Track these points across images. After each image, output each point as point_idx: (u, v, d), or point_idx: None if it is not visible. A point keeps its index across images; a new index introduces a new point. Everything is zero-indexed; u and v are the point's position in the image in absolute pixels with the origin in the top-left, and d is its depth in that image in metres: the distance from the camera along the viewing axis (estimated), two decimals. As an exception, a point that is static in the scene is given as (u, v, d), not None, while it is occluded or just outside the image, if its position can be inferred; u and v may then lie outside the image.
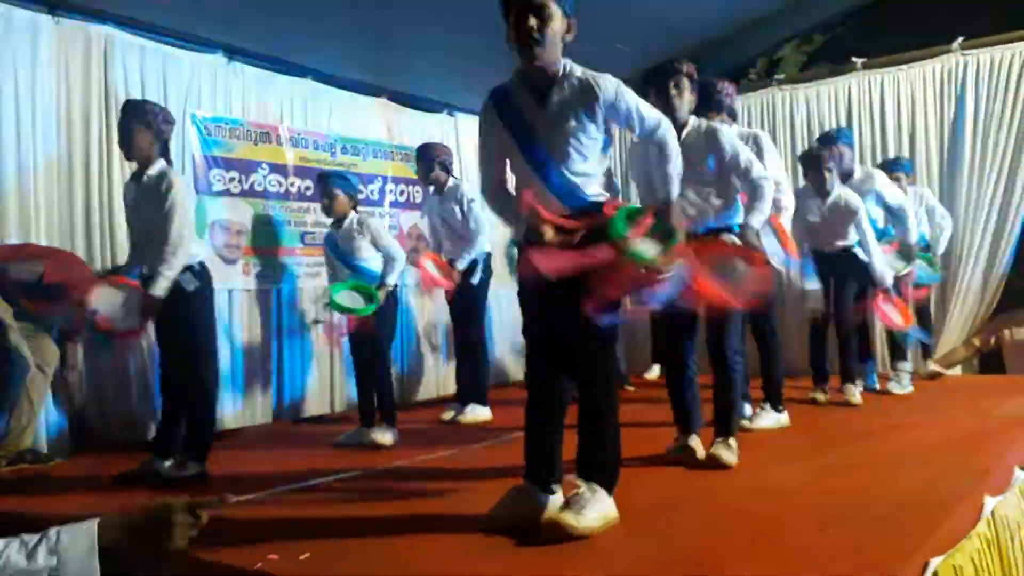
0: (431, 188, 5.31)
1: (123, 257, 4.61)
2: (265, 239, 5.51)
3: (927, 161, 6.17)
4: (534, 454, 2.66)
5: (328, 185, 4.57)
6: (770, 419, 4.23)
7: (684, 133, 3.45)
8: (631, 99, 2.64)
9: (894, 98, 6.32)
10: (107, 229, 4.72)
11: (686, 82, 3.46)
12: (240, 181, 5.40)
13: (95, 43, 4.70)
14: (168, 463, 3.65)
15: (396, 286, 4.62)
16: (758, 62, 7.90)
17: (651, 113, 2.72)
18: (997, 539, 2.60)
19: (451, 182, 5.22)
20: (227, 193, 5.37)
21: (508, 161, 2.74)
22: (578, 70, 2.61)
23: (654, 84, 3.47)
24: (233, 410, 5.28)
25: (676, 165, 2.75)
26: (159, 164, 3.63)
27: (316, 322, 5.51)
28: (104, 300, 3.58)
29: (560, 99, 2.58)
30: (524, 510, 2.56)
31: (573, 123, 2.57)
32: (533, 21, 2.50)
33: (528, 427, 2.68)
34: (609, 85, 2.59)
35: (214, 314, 3.96)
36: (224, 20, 5.10)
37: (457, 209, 5.10)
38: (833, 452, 3.48)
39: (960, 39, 6.03)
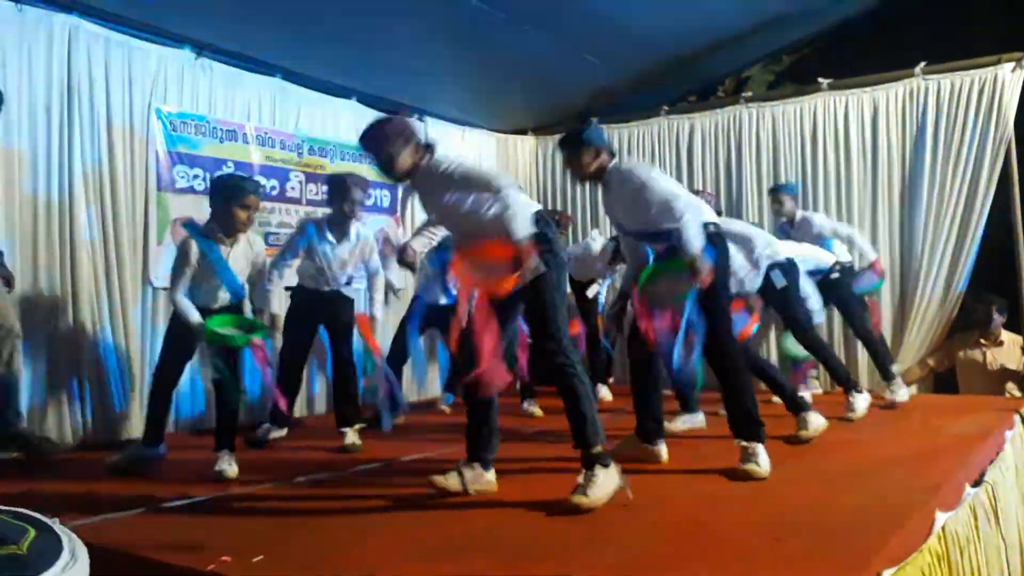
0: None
1: (80, 246, 4.56)
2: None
3: (888, 180, 6.28)
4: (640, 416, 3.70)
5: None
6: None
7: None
8: None
9: (858, 118, 6.42)
10: (67, 219, 4.64)
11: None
12: (204, 179, 5.32)
13: (58, 32, 4.62)
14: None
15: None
16: (726, 80, 8.01)
17: None
18: (947, 554, 2.63)
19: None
20: (191, 191, 5.30)
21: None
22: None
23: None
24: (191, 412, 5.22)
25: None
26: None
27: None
28: None
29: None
30: (637, 452, 3.59)
31: None
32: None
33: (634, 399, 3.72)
34: None
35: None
36: (193, 15, 5.04)
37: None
38: (787, 464, 3.51)
39: (922, 64, 6.15)
